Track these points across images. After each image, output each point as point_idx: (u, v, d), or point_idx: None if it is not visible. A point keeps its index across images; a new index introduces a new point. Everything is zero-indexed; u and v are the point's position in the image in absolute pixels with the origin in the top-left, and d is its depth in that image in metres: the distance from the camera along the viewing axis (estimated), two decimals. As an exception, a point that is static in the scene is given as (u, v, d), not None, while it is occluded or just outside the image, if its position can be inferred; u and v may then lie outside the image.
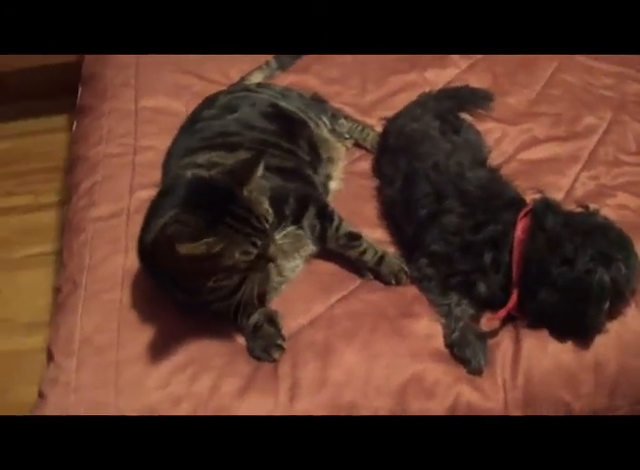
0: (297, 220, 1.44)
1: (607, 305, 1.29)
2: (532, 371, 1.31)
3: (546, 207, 1.38)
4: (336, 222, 1.45)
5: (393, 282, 1.43)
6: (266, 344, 1.32)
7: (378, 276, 1.44)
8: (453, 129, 1.63)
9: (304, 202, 1.45)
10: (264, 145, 1.54)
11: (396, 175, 1.55)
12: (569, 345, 1.33)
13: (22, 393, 1.55)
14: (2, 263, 2.27)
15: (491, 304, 1.37)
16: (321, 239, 1.45)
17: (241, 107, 1.65)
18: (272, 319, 1.35)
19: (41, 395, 1.32)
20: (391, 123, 1.70)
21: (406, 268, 1.44)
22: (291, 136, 1.62)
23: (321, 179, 1.60)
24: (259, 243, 1.24)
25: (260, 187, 1.28)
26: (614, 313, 1.34)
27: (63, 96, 2.26)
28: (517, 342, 1.34)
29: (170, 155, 1.60)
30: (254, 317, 1.35)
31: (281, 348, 1.32)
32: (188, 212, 1.20)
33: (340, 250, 1.46)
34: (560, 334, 1.34)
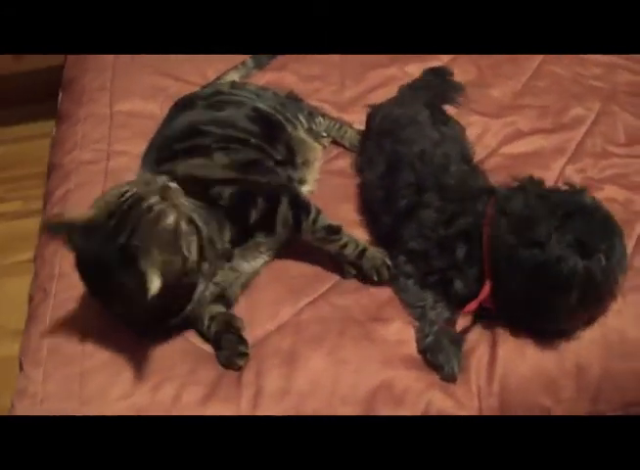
0: (267, 221, 1.39)
1: (575, 296, 1.21)
2: (509, 377, 1.27)
3: (515, 190, 1.31)
4: (312, 215, 1.39)
5: (375, 278, 1.39)
6: (229, 353, 1.29)
7: (359, 271, 1.40)
8: (442, 121, 1.58)
9: (275, 195, 1.40)
10: (229, 141, 1.51)
11: (379, 158, 1.51)
12: (548, 349, 1.28)
13: (10, 400, 1.53)
14: (-9, 270, 2.27)
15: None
16: (296, 231, 1.40)
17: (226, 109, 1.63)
18: (231, 325, 1.31)
19: (12, 406, 1.31)
20: (378, 108, 1.66)
21: (389, 262, 1.39)
22: (269, 138, 1.58)
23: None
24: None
25: None
26: (590, 309, 1.27)
27: (51, 101, 2.23)
28: (493, 347, 1.29)
29: (144, 162, 1.58)
30: (214, 326, 1.31)
31: (244, 355, 1.29)
32: None
33: (317, 243, 1.41)
34: (528, 325, 1.28)
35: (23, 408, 1.28)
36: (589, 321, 1.30)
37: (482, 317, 1.33)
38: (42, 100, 2.61)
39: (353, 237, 1.41)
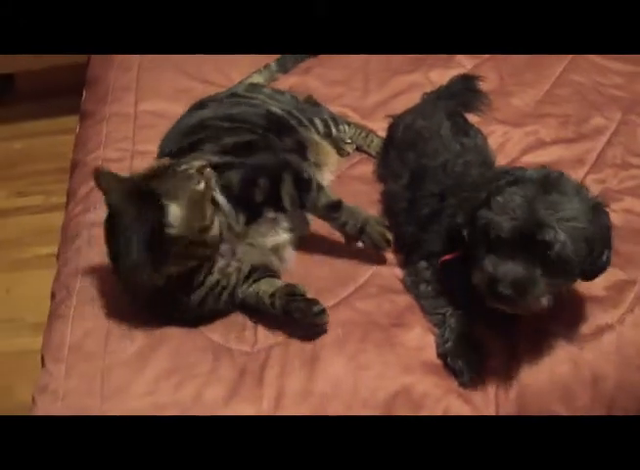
0: (273, 199, 1.42)
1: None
2: (526, 385, 1.29)
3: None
4: (313, 193, 1.43)
5: (376, 251, 1.44)
6: (307, 319, 1.31)
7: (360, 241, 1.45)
8: (464, 132, 1.59)
9: (277, 173, 1.43)
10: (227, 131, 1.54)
11: (403, 171, 1.53)
12: (564, 359, 1.30)
13: (30, 393, 1.56)
14: (12, 263, 2.30)
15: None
16: (302, 208, 1.44)
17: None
18: (294, 293, 1.33)
19: (33, 400, 1.33)
20: (400, 118, 1.67)
21: (389, 235, 1.42)
22: (277, 132, 1.60)
23: None
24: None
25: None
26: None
27: (74, 97, 2.25)
28: (511, 355, 1.31)
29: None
30: (278, 301, 1.33)
31: (323, 312, 1.31)
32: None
33: (321, 219, 1.46)
34: None
35: (44, 404, 1.30)
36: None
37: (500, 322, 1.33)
38: (63, 96, 2.65)
39: (355, 212, 1.43)
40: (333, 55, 1.96)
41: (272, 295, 1.34)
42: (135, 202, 1.27)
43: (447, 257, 1.33)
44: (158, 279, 1.30)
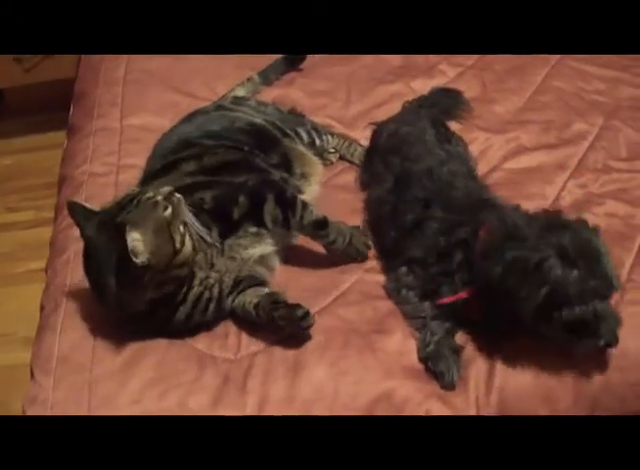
0: (255, 216, 1.43)
1: (544, 292, 1.21)
2: (507, 388, 1.29)
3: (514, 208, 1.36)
4: (299, 212, 1.43)
5: (359, 259, 1.48)
6: (293, 324, 1.31)
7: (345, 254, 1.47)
8: (446, 139, 1.61)
9: (260, 193, 1.43)
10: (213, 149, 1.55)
11: (387, 175, 1.54)
12: (546, 361, 1.30)
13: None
14: (3, 278, 2.32)
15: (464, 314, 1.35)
16: (285, 228, 1.44)
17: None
18: (276, 301, 1.33)
19: (23, 411, 1.34)
20: (383, 126, 1.69)
21: (370, 242, 1.49)
22: (262, 148, 1.61)
23: None
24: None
25: None
26: (557, 313, 1.21)
27: (62, 112, 2.28)
28: (493, 358, 1.32)
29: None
30: (262, 312, 1.34)
31: (306, 315, 1.30)
32: None
33: (308, 237, 1.47)
34: (504, 325, 1.30)
35: (34, 414, 1.31)
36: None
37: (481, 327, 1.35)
38: (51, 111, 2.67)
39: (341, 227, 1.46)
40: (316, 66, 2.00)
41: (256, 305, 1.35)
42: (105, 234, 1.30)
43: (450, 298, 1.33)
44: (138, 305, 1.33)
